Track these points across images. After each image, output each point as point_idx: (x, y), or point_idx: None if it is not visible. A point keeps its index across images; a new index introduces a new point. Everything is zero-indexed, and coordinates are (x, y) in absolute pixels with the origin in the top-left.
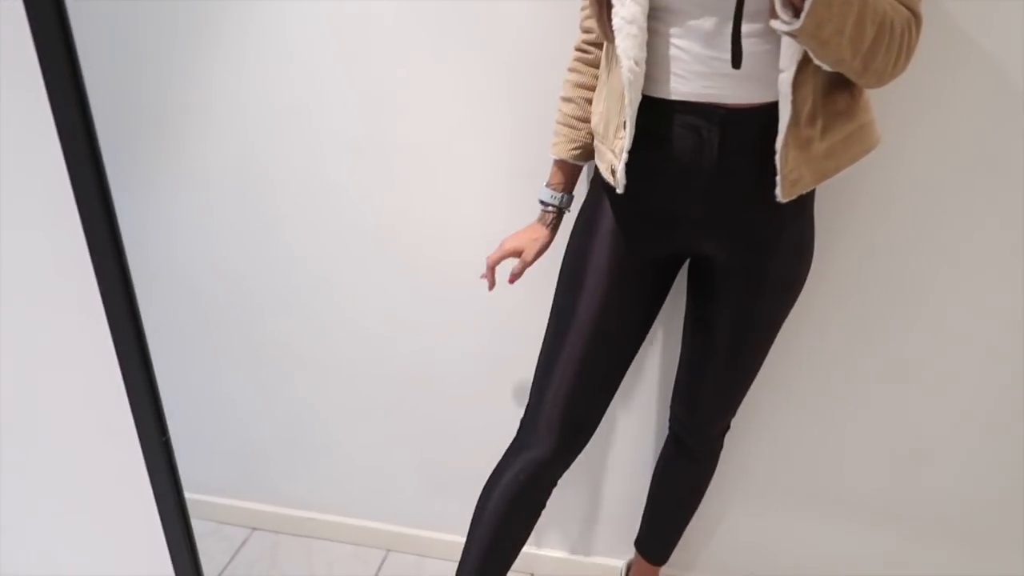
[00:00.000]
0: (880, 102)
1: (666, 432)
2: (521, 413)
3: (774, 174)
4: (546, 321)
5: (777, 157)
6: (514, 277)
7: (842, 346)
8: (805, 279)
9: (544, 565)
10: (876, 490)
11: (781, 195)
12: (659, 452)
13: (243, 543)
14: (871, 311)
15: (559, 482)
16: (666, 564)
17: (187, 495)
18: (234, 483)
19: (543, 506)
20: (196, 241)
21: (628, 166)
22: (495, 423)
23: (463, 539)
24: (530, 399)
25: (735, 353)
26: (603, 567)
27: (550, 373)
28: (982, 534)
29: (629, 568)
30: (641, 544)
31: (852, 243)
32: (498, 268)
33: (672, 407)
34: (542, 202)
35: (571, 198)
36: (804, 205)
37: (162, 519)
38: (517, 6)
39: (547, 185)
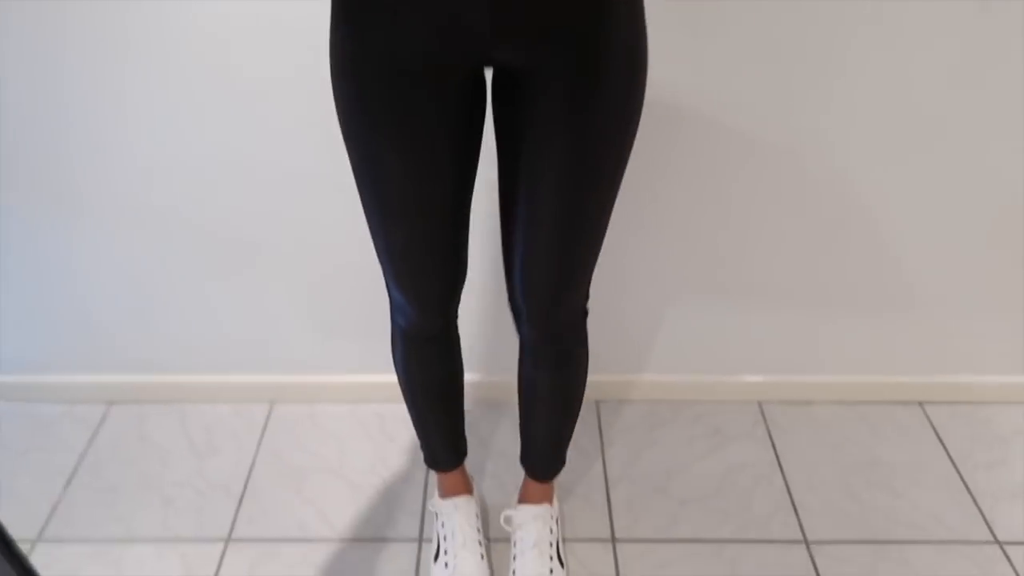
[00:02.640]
0: None
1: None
2: None
3: None
4: None
5: None
6: None
7: (739, 124)
8: (643, 94)
9: None
10: (793, 275)
11: None
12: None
13: (102, 421)
14: (773, 79)
15: None
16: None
17: (28, 378)
18: (83, 358)
19: (455, 342)
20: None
21: None
22: (364, 253)
23: (355, 378)
24: (382, 269)
25: (568, 204)
26: None
27: (381, 251)
28: (892, 306)
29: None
30: (525, 461)
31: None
32: None
33: (510, 301)
34: None
35: None
36: None
37: None
38: None
39: None
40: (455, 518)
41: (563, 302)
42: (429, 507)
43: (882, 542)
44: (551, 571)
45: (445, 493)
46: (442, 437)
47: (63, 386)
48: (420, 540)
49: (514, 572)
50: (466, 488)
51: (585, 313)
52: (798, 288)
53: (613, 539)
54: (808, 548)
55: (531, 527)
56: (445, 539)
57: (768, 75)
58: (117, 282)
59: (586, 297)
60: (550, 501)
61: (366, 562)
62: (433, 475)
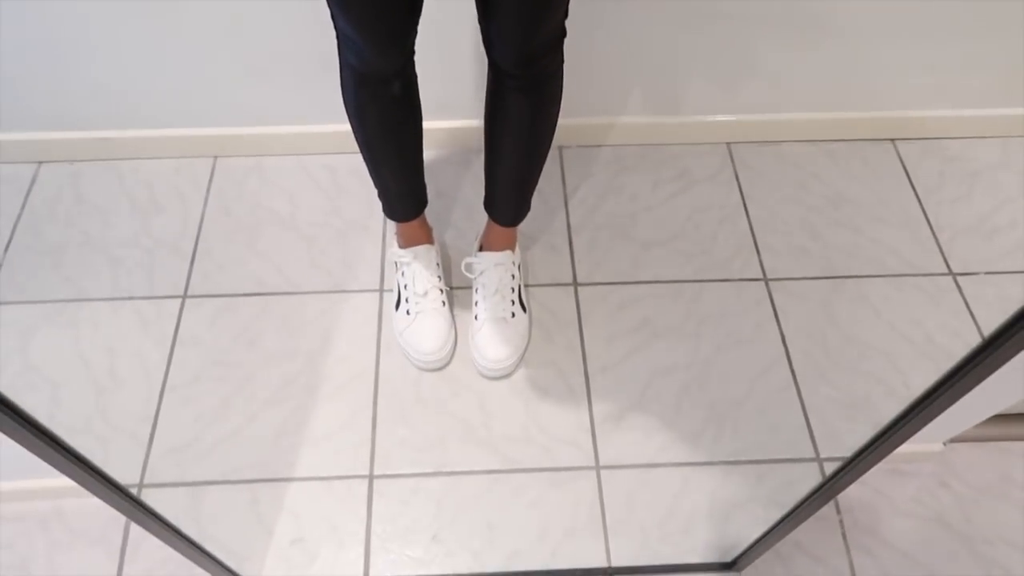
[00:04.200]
0: None
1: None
2: None
3: None
4: None
5: None
6: None
7: None
8: None
9: None
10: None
11: None
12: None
13: (32, 181)
14: None
15: None
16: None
17: None
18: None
19: (413, 82)
20: None
21: None
22: None
23: (302, 128)
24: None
25: None
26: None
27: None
28: (864, 37)
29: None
30: (489, 204)
31: None
32: None
33: (480, 23)
34: None
35: None
36: None
37: None
38: None
39: None
40: (415, 267)
41: (542, 19)
42: (388, 256)
43: (839, 277)
44: (512, 315)
45: (405, 243)
46: (400, 186)
47: None
48: (381, 290)
49: (476, 317)
50: (426, 237)
51: (563, 33)
52: (768, 20)
53: (575, 283)
54: (767, 285)
55: (493, 273)
56: (405, 287)
57: None
58: (27, 25)
59: (565, 15)
60: (512, 248)
61: (327, 313)
62: (392, 225)
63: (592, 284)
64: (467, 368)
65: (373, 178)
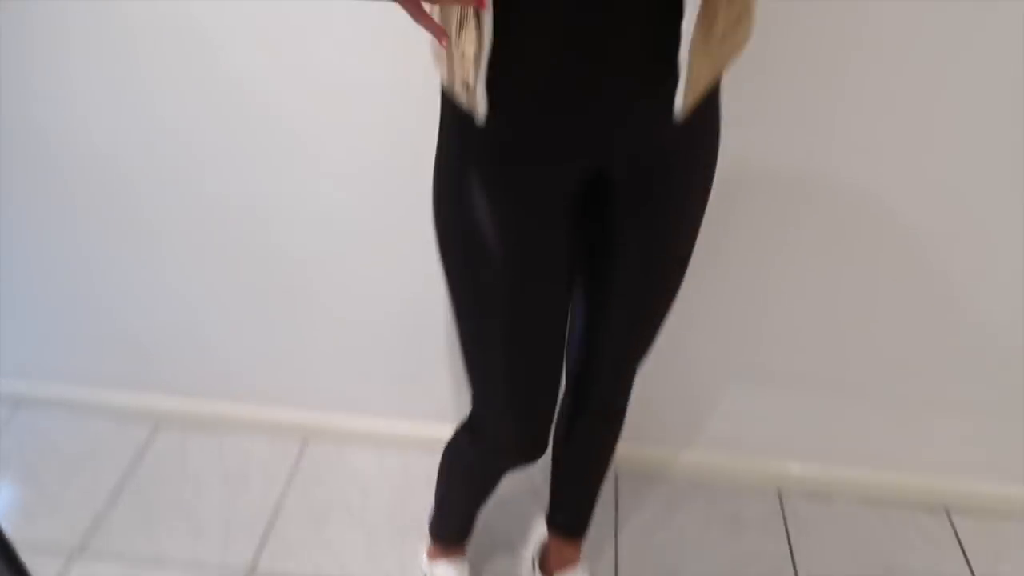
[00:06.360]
0: None
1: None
2: (430, 290)
3: (671, 71)
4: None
5: (682, 61)
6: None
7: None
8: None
9: None
10: (825, 363)
11: (681, 106)
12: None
13: (147, 443)
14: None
15: None
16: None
17: (83, 393)
18: (131, 377)
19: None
20: (52, 110)
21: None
22: (410, 301)
23: (384, 423)
24: (474, 387)
25: (644, 288)
26: None
27: (488, 366)
28: (915, 399)
29: (543, 552)
30: (565, 524)
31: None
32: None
33: (577, 378)
34: None
35: None
36: (711, 99)
37: None
38: None
39: None
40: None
41: (635, 367)
42: (424, 568)
43: None
44: None
45: (448, 555)
46: (470, 521)
47: (115, 406)
48: None
49: None
50: (465, 549)
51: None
52: (833, 377)
53: None
54: None
55: None
56: None
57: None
58: (166, 306)
59: (640, 364)
60: (581, 558)
61: None
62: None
63: None
64: None
65: (445, 515)
